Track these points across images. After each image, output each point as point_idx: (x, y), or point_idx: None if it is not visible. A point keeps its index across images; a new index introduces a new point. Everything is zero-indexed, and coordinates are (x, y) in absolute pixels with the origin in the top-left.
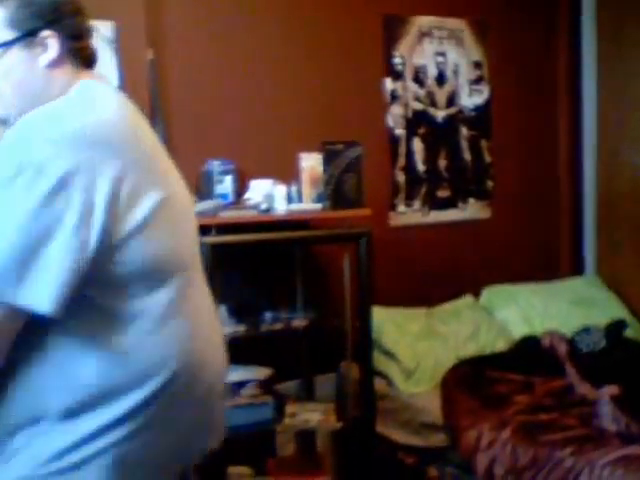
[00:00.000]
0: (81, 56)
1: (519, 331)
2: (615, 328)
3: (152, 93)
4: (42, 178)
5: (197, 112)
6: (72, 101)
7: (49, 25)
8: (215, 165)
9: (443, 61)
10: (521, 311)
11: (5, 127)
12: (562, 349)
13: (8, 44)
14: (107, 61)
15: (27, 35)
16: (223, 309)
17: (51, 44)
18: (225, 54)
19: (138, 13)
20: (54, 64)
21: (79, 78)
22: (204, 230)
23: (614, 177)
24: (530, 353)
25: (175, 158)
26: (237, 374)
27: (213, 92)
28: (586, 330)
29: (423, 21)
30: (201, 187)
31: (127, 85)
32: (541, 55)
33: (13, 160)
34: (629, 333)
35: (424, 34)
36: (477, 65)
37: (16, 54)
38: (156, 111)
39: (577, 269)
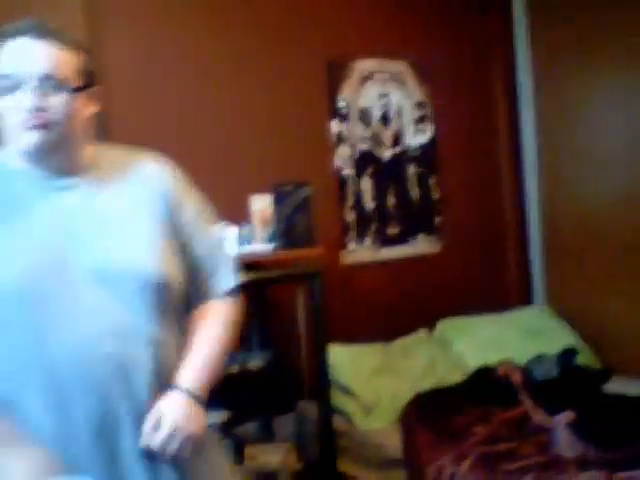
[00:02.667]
0: None
1: (474, 362)
2: (567, 356)
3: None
4: None
5: None
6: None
7: (96, 84)
8: None
9: (387, 102)
10: (475, 342)
11: (40, 157)
12: (516, 378)
13: (79, 90)
14: None
15: (88, 87)
16: None
17: (96, 100)
18: (172, 97)
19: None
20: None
21: None
22: None
23: (557, 208)
24: (485, 384)
25: None
26: None
27: (161, 135)
28: (539, 359)
29: (365, 65)
30: None
31: None
32: (480, 91)
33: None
34: (580, 360)
35: (366, 77)
36: (420, 105)
37: (79, 99)
38: None
39: (527, 299)
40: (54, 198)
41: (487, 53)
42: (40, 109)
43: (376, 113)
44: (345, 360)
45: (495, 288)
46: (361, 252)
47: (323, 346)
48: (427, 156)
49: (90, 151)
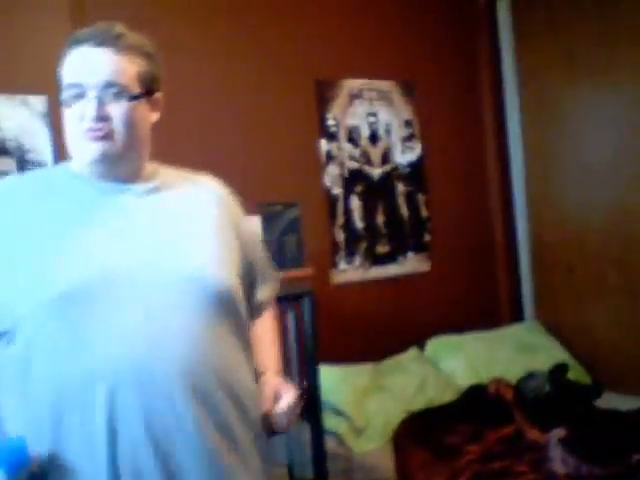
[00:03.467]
0: None
1: (465, 380)
2: (558, 372)
3: None
4: None
5: None
6: None
7: (160, 89)
8: None
9: (375, 121)
10: (466, 360)
11: (104, 165)
12: (508, 396)
13: (140, 97)
14: (41, 135)
15: (150, 93)
16: None
17: (159, 106)
18: (159, 126)
19: None
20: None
21: None
22: None
23: (545, 224)
24: (477, 402)
25: None
26: None
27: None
28: (530, 376)
29: (353, 84)
30: None
31: (61, 159)
32: (467, 109)
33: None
34: (571, 376)
35: (355, 96)
36: (408, 123)
37: (141, 106)
38: None
39: (517, 316)
40: (118, 204)
41: (474, 70)
42: (102, 118)
43: (364, 132)
44: (335, 381)
45: (485, 305)
46: (351, 271)
47: (314, 367)
48: (416, 174)
49: (149, 165)
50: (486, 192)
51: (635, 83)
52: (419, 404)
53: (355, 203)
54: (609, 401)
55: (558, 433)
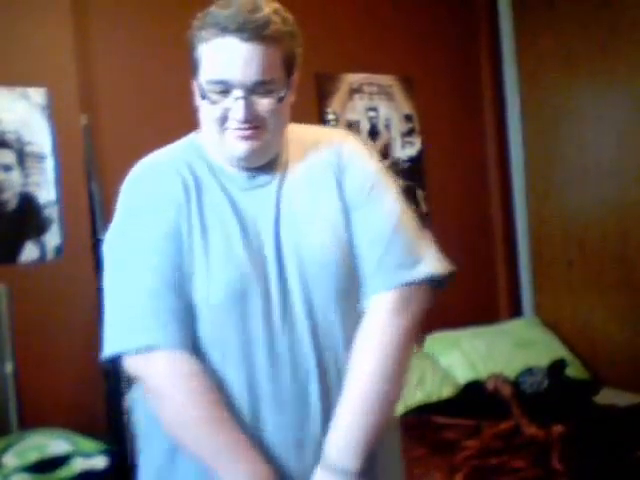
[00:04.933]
0: None
1: (464, 376)
2: (556, 368)
3: (87, 159)
4: None
5: None
6: None
7: (298, 66)
8: None
9: (375, 115)
10: (464, 356)
11: (250, 162)
12: (507, 391)
13: (288, 92)
14: (40, 127)
15: (291, 77)
16: None
17: (296, 84)
18: (160, 118)
19: (71, 79)
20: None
21: None
22: None
23: (544, 219)
24: (476, 397)
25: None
26: None
27: (149, 145)
28: (529, 371)
29: (353, 78)
30: None
31: (61, 151)
32: (468, 104)
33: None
34: (569, 372)
35: (355, 90)
36: (408, 118)
37: (288, 95)
38: (92, 176)
39: (516, 311)
40: (254, 196)
41: (474, 66)
42: (251, 120)
43: (364, 126)
44: None
45: (484, 300)
46: None
47: None
48: (415, 169)
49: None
50: (486, 188)
51: (635, 82)
52: (417, 399)
53: None
54: (607, 397)
55: (557, 429)
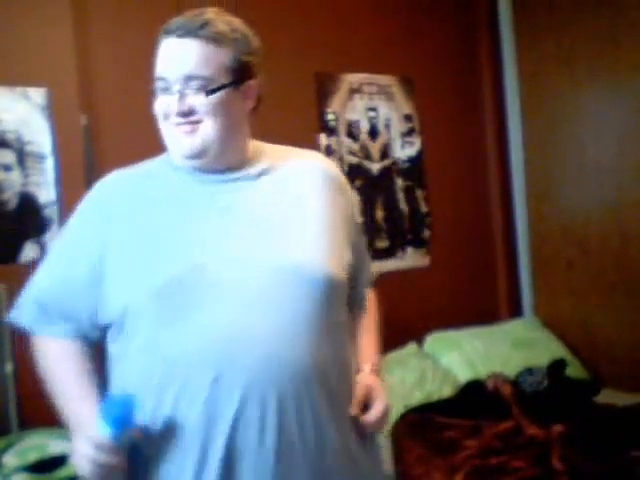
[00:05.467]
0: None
1: (464, 375)
2: (556, 368)
3: (87, 159)
4: None
5: None
6: None
7: (254, 75)
8: None
9: (375, 115)
10: (465, 356)
11: (197, 160)
12: (507, 391)
13: (222, 88)
14: (40, 127)
15: (239, 82)
16: None
17: (253, 93)
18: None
19: (71, 79)
20: (250, 111)
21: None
22: None
23: (544, 221)
24: (476, 397)
25: None
26: None
27: (148, 145)
28: (529, 371)
29: (353, 78)
30: None
31: (61, 151)
32: (468, 105)
33: None
34: (569, 371)
35: (355, 90)
36: (407, 118)
37: (228, 96)
38: (91, 176)
39: (516, 312)
40: (215, 193)
41: (474, 66)
42: (185, 113)
43: (364, 126)
44: None
45: (484, 301)
46: None
47: None
48: (415, 169)
49: (253, 145)
50: (485, 188)
51: (635, 82)
52: (417, 399)
53: (354, 198)
54: (607, 397)
55: (557, 429)
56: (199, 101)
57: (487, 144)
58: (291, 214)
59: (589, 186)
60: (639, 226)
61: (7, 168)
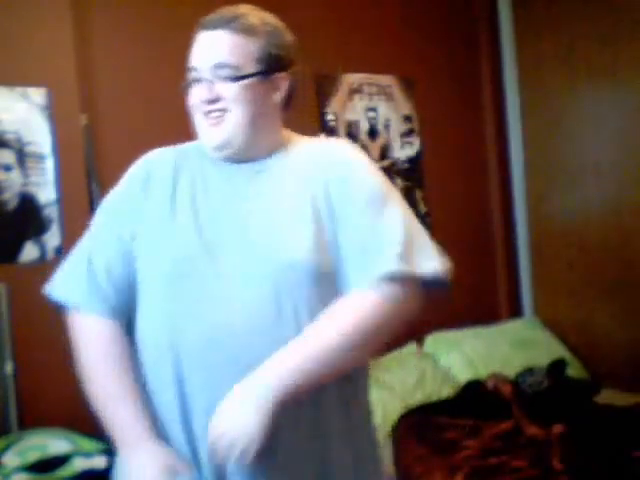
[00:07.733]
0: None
1: (464, 376)
2: (556, 368)
3: (87, 159)
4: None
5: None
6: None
7: (285, 68)
8: None
9: (374, 116)
10: (464, 356)
11: (224, 151)
12: (507, 391)
13: (250, 76)
14: (40, 127)
15: (269, 72)
16: None
17: (283, 85)
18: (160, 118)
19: (71, 79)
20: (281, 105)
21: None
22: None
23: (544, 221)
24: (476, 397)
25: None
26: None
27: (148, 142)
28: (529, 371)
29: (353, 78)
30: None
31: (62, 151)
32: (468, 105)
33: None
34: (569, 371)
35: (354, 91)
36: (407, 118)
37: (256, 86)
38: (92, 176)
39: (516, 312)
40: (238, 184)
41: (474, 66)
42: (213, 100)
43: (364, 126)
44: None
45: (484, 301)
46: None
47: None
48: (414, 170)
49: (283, 136)
50: (485, 188)
51: (635, 82)
52: (417, 399)
53: None
54: (607, 397)
55: (557, 429)
56: (226, 88)
57: (487, 144)
58: (279, 210)
59: (589, 186)
60: (639, 226)
61: (7, 168)
